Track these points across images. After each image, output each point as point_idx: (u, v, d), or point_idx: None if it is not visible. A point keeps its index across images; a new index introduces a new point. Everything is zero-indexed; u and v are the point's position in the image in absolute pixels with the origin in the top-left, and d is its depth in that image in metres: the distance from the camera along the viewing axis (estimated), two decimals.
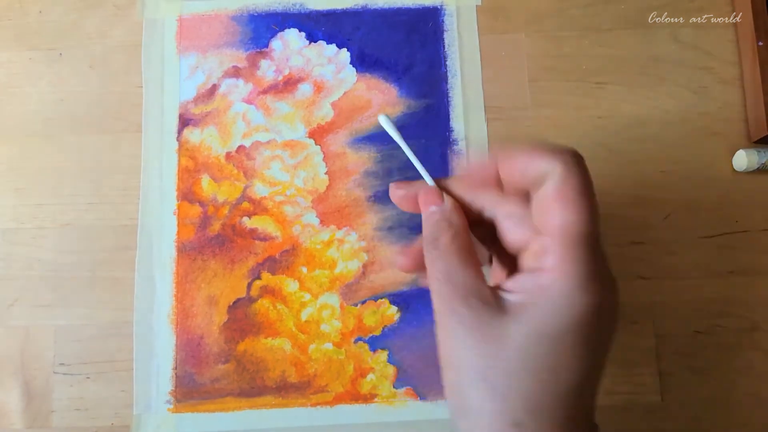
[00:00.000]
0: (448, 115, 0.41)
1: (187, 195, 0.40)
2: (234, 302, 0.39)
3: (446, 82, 0.42)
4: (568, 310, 0.23)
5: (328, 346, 0.38)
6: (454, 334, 0.23)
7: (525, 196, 0.25)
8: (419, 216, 0.41)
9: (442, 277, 0.24)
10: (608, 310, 0.23)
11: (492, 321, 0.23)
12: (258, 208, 0.40)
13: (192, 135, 0.41)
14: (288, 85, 0.42)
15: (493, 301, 0.23)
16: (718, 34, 0.42)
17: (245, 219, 0.40)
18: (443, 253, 0.25)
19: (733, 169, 0.40)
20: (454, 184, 0.27)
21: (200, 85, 0.41)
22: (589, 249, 0.23)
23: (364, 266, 0.39)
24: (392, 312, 0.39)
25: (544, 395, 0.23)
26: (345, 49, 0.42)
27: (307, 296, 0.39)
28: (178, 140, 0.41)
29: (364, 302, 0.39)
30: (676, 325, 0.39)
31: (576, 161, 0.24)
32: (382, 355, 0.38)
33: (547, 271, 0.23)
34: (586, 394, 0.24)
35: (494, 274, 0.28)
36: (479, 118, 0.41)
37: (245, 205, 0.40)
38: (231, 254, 0.39)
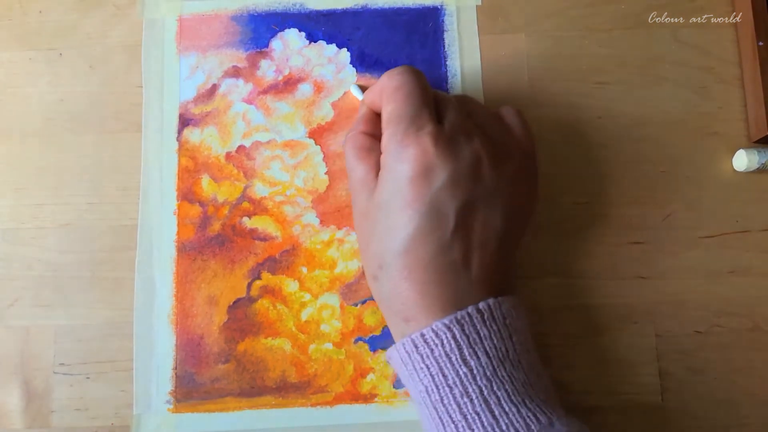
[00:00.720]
0: None
1: (187, 195, 0.40)
2: (234, 302, 0.39)
3: (446, 82, 0.42)
4: (391, 179, 0.30)
5: (328, 346, 0.38)
6: (354, 216, 0.34)
7: None
8: None
9: (348, 169, 0.34)
10: (432, 171, 0.29)
11: (368, 201, 0.31)
12: (258, 208, 0.40)
13: (192, 135, 0.41)
14: (288, 85, 0.42)
15: (373, 186, 0.31)
16: (718, 34, 0.42)
17: (245, 219, 0.40)
18: (347, 151, 0.34)
19: (733, 169, 0.41)
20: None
21: (200, 85, 0.41)
22: (400, 126, 0.30)
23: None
24: None
25: (385, 253, 0.30)
26: (345, 49, 0.42)
27: (307, 296, 0.39)
28: (178, 140, 0.41)
29: (364, 302, 0.39)
30: (676, 325, 0.39)
31: (392, 74, 0.32)
32: (383, 355, 0.38)
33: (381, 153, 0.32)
34: (446, 251, 0.29)
35: None
36: None
37: (245, 205, 0.40)
38: (231, 254, 0.39)
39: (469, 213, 0.30)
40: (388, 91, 0.31)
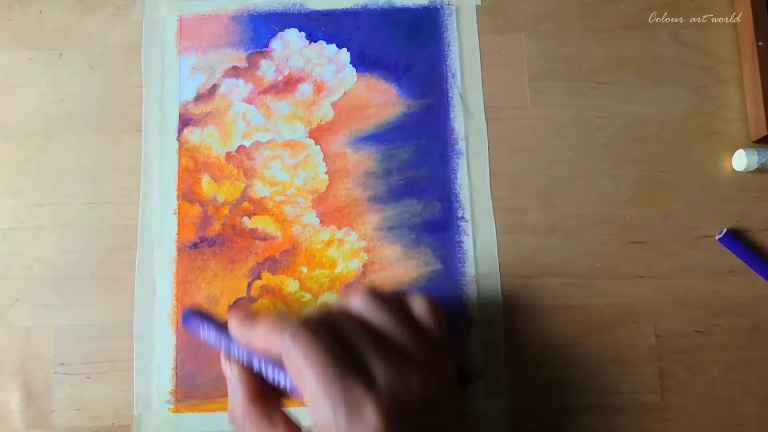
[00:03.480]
0: (448, 115, 0.41)
1: (188, 195, 0.40)
2: (234, 302, 0.39)
3: (446, 82, 0.42)
4: None
5: None
6: None
7: None
8: (419, 216, 0.41)
9: None
10: None
11: None
12: (258, 208, 0.40)
13: (192, 135, 0.41)
14: (288, 85, 0.42)
15: None
16: (718, 34, 0.42)
17: (245, 219, 0.40)
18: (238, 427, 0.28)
19: (733, 169, 0.41)
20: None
21: (200, 85, 0.41)
22: (336, 419, 0.25)
23: (364, 266, 0.39)
24: None
25: None
26: (345, 49, 0.42)
27: (308, 296, 0.39)
28: (178, 140, 0.41)
29: None
30: (676, 325, 0.39)
31: (298, 339, 0.26)
32: None
33: None
34: None
35: None
36: (479, 118, 0.41)
37: (245, 204, 0.40)
38: (231, 254, 0.39)
39: None
40: (295, 366, 0.26)
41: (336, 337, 0.27)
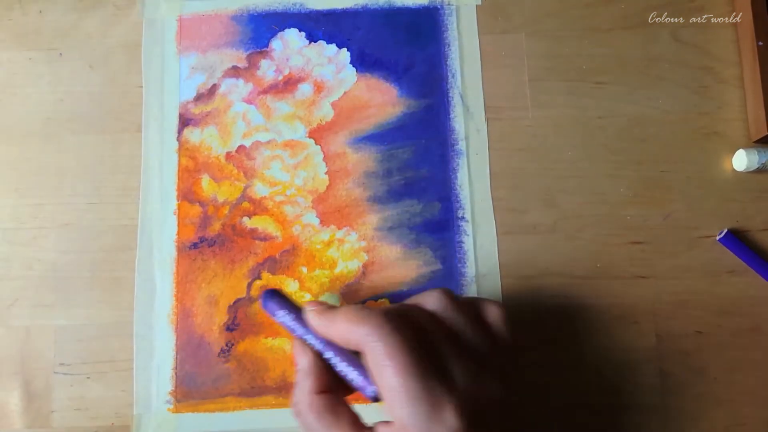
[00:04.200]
0: (448, 115, 0.41)
1: (187, 195, 0.40)
2: (234, 302, 0.39)
3: (446, 82, 0.42)
4: None
5: None
6: None
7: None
8: (420, 216, 0.41)
9: None
10: None
11: None
12: (258, 208, 0.40)
13: (192, 135, 0.41)
14: (288, 85, 0.42)
15: None
16: (718, 34, 0.42)
17: (245, 219, 0.40)
18: (308, 421, 0.28)
19: (733, 169, 0.41)
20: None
21: (200, 85, 0.41)
22: (416, 420, 0.25)
23: (364, 266, 0.39)
24: None
25: None
26: (345, 49, 0.42)
27: (308, 296, 0.39)
28: (178, 140, 0.41)
29: (364, 302, 0.39)
30: (676, 325, 0.39)
31: (381, 334, 0.26)
32: None
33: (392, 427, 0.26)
34: None
35: None
36: (479, 118, 0.41)
37: (245, 205, 0.40)
38: (231, 254, 0.39)
39: None
40: (376, 360, 0.25)
41: (418, 335, 0.26)
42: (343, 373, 0.28)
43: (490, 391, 0.26)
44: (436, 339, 0.27)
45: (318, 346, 0.29)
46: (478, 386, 0.26)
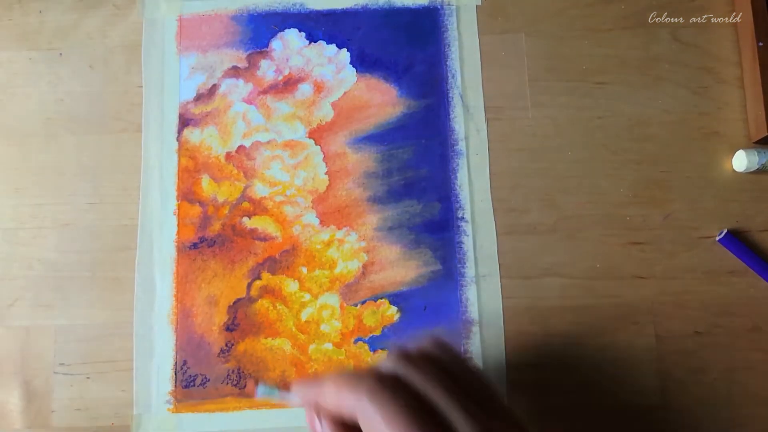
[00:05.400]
0: (448, 115, 0.41)
1: (187, 195, 0.40)
2: (234, 302, 0.39)
3: (446, 82, 0.42)
4: None
5: (328, 346, 0.38)
6: None
7: None
8: (419, 216, 0.41)
9: None
10: None
11: None
12: (258, 208, 0.40)
13: (192, 135, 0.41)
14: (288, 85, 0.42)
15: None
16: (718, 34, 0.42)
17: (245, 219, 0.40)
18: None
19: (733, 169, 0.40)
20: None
21: (200, 85, 0.41)
22: None
23: (364, 266, 0.39)
24: (392, 312, 0.39)
25: None
26: (345, 49, 0.42)
27: (307, 296, 0.39)
28: (178, 140, 0.41)
29: (364, 302, 0.39)
30: (676, 325, 0.39)
31: (371, 401, 0.24)
32: (382, 356, 0.38)
33: None
34: None
35: None
36: (479, 118, 0.41)
37: (245, 205, 0.40)
38: (231, 254, 0.39)
39: None
40: (373, 427, 0.24)
41: (415, 392, 0.25)
42: None
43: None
44: (437, 394, 0.25)
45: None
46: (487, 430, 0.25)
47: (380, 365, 0.27)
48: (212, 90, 0.41)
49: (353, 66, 0.42)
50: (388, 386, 0.25)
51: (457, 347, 0.29)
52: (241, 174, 0.40)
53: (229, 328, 0.39)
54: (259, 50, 0.42)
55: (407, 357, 0.27)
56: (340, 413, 0.26)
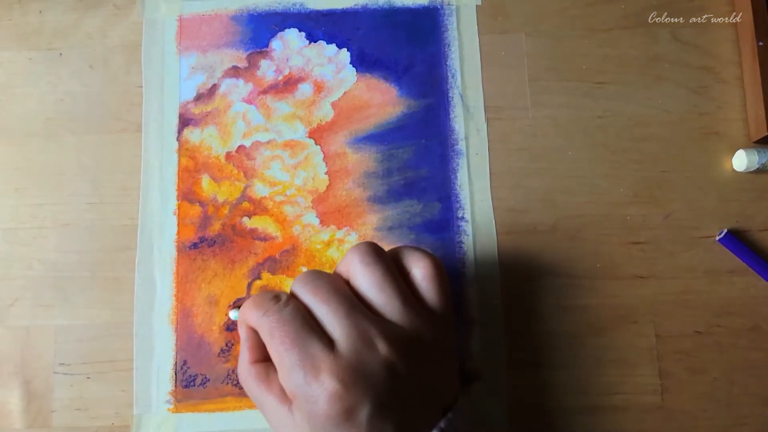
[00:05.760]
0: (448, 115, 0.41)
1: (187, 195, 0.40)
2: (234, 302, 0.39)
3: (446, 82, 0.42)
4: (314, 424, 0.27)
5: None
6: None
7: None
8: (419, 216, 0.41)
9: (257, 402, 0.31)
10: (352, 410, 0.27)
11: (293, 422, 0.28)
12: (258, 208, 0.40)
13: (192, 135, 0.41)
14: (288, 85, 0.42)
15: (290, 406, 0.29)
16: (718, 34, 0.42)
17: (245, 219, 0.40)
18: (248, 386, 0.31)
19: (733, 169, 0.41)
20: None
21: (200, 85, 0.41)
22: (296, 375, 0.28)
23: None
24: None
25: None
26: (345, 49, 0.42)
27: None
28: (178, 140, 0.41)
29: None
30: (676, 325, 0.39)
31: (263, 318, 0.29)
32: None
33: None
34: None
35: None
36: (479, 118, 0.41)
37: (245, 205, 0.40)
38: (231, 254, 0.39)
39: (401, 409, 0.28)
40: (266, 341, 0.29)
41: (302, 306, 0.29)
42: None
43: (381, 355, 0.27)
44: (324, 309, 0.29)
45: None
46: (364, 348, 0.27)
47: (296, 280, 0.31)
48: (212, 90, 0.41)
49: (353, 66, 0.42)
50: (280, 301, 0.29)
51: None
52: (241, 174, 0.40)
53: (229, 328, 0.39)
54: (259, 50, 0.42)
55: (304, 280, 0.30)
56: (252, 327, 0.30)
